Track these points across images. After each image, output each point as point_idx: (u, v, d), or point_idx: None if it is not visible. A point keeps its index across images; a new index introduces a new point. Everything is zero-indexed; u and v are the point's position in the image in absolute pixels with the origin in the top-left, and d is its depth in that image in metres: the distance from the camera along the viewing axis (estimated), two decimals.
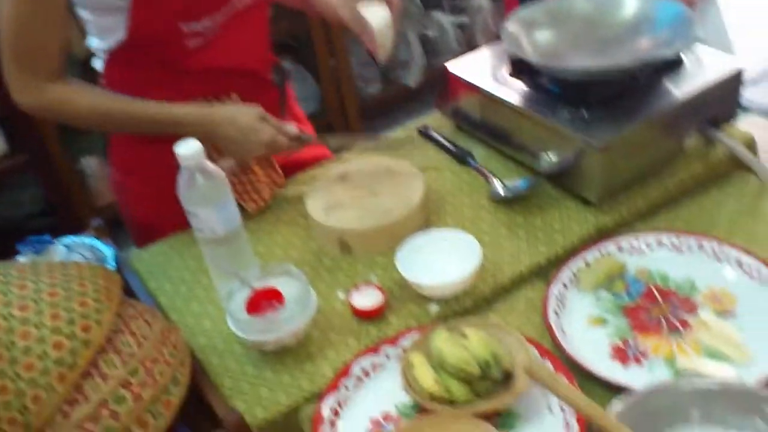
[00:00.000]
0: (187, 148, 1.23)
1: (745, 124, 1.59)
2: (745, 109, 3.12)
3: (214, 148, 1.49)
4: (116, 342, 1.05)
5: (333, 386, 1.20)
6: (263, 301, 1.29)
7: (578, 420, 1.07)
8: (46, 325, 0.99)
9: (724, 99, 1.51)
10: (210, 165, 1.27)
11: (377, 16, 1.46)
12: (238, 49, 1.52)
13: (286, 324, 1.25)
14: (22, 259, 1.37)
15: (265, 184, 1.61)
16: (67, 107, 1.38)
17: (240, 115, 1.44)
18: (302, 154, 1.65)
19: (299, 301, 1.27)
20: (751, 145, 1.56)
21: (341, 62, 3.43)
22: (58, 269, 1.08)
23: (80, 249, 1.41)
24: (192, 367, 1.17)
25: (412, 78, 3.65)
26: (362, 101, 3.63)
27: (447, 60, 1.69)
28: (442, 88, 1.73)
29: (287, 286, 1.31)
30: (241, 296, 1.30)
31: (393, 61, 3.57)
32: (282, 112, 1.68)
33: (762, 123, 3.01)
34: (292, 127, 1.50)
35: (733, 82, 1.50)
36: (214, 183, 1.27)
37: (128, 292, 1.18)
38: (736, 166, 1.53)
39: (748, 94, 3.25)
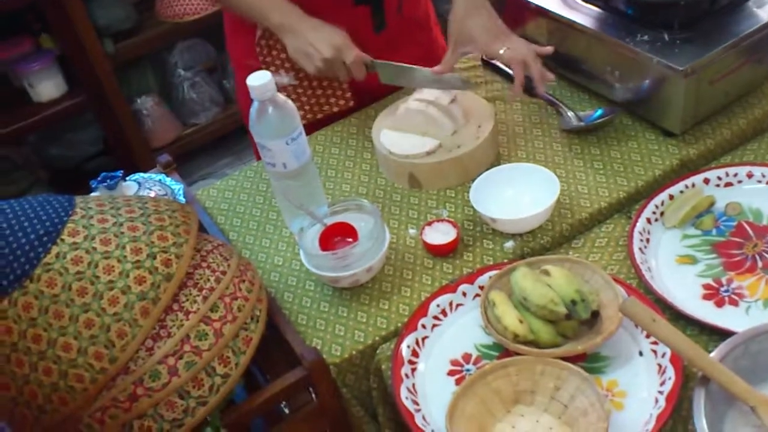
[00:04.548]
0: (259, 80, 1.19)
1: None
2: None
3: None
4: (195, 277, 1.03)
5: (411, 326, 1.17)
6: (336, 236, 1.27)
7: (673, 363, 1.01)
8: (128, 259, 0.97)
9: None
10: (281, 97, 1.23)
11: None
12: None
13: (360, 260, 1.22)
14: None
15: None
16: None
17: (328, 28, 1.44)
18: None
19: (372, 237, 1.23)
20: None
21: None
22: (135, 203, 1.06)
23: (151, 185, 1.39)
24: (268, 303, 1.15)
25: None
26: None
27: None
28: (502, 14, 1.64)
29: (360, 221, 1.28)
30: (313, 232, 1.28)
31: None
32: (377, 30, 1.59)
33: None
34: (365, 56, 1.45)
35: None
36: (285, 115, 1.23)
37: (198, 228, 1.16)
38: None
39: None
